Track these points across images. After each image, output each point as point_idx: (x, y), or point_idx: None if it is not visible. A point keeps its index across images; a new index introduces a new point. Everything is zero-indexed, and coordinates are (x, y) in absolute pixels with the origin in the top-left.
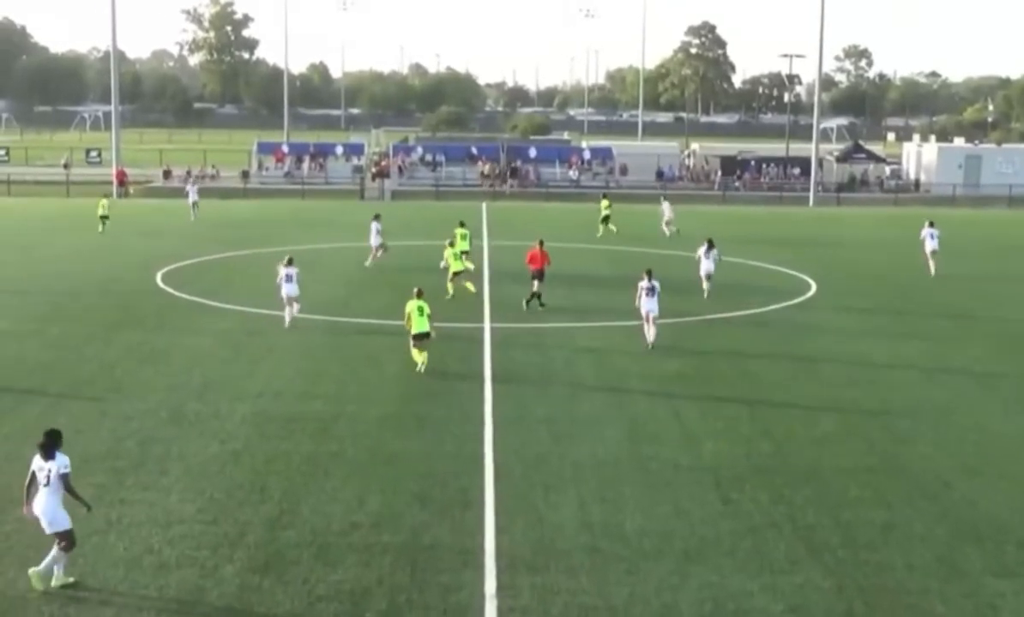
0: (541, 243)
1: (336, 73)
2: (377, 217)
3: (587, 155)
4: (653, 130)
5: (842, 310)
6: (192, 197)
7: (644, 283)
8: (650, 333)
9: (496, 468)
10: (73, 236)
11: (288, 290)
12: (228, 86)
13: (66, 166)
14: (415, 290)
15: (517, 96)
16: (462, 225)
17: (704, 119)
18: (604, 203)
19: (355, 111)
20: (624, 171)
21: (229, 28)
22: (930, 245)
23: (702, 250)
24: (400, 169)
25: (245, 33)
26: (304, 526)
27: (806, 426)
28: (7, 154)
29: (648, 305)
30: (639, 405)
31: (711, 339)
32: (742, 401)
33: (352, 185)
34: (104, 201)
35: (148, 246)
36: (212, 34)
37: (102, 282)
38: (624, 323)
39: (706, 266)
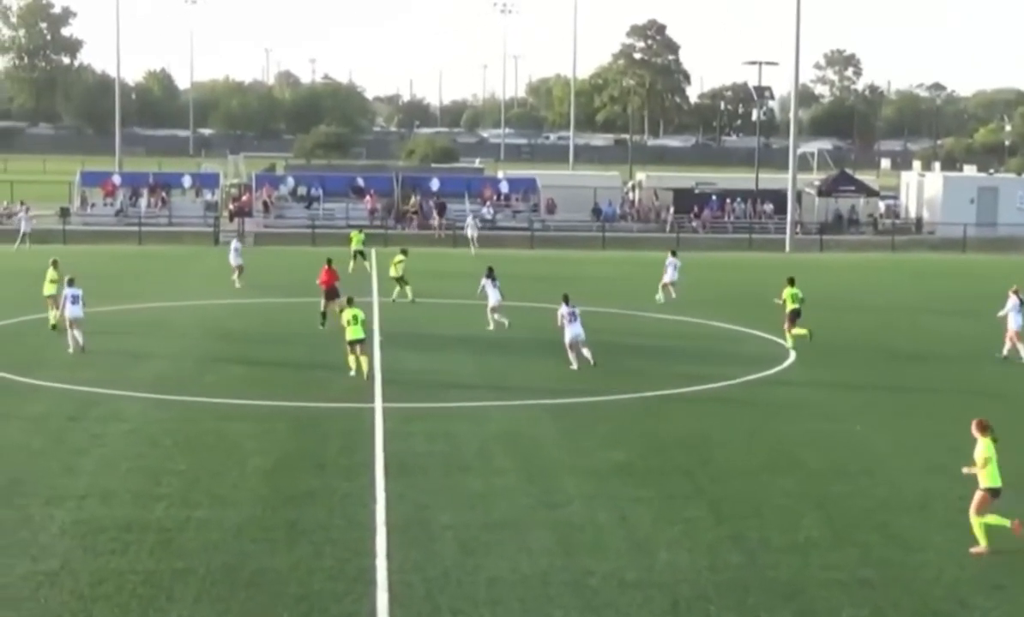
0: (329, 261)
1: (183, 83)
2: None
3: (504, 187)
4: (588, 155)
5: (827, 385)
6: (24, 227)
7: (564, 310)
8: (585, 353)
9: (391, 589)
10: None
11: (72, 312)
12: (42, 99)
13: None
14: (346, 299)
15: (415, 113)
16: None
17: (652, 142)
18: (397, 259)
19: (207, 132)
20: (552, 208)
21: (44, 25)
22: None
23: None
24: (266, 205)
25: (65, 32)
26: None
27: (784, 530)
28: None
29: (574, 331)
30: (573, 506)
31: (665, 421)
32: (704, 499)
33: (204, 226)
34: None
35: None
36: (22, 33)
37: None
38: (552, 401)
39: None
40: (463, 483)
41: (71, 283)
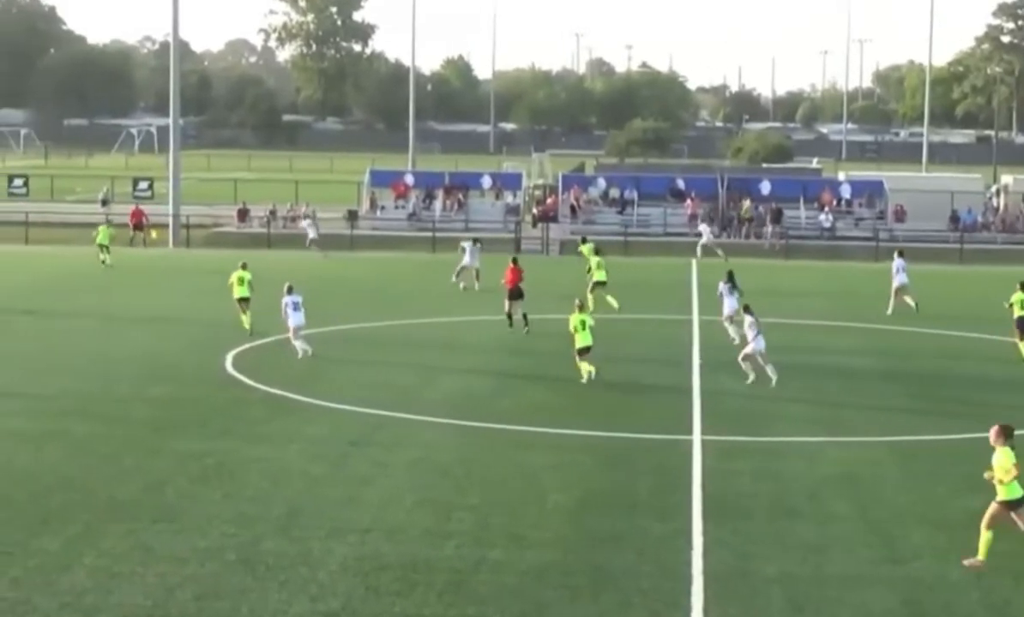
0: (515, 260)
1: (483, 72)
2: (476, 241)
3: (846, 191)
4: (944, 155)
5: None
6: (312, 235)
7: (750, 320)
8: (768, 370)
9: None
10: (109, 300)
11: (295, 319)
12: (331, 91)
13: (104, 202)
14: (576, 302)
15: (743, 105)
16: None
17: (1022, 140)
18: (595, 261)
19: (509, 127)
20: (901, 215)
21: (334, 9)
22: None
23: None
24: (573, 209)
25: (356, 17)
26: None
27: None
28: (25, 185)
29: (759, 344)
30: (922, 561)
31: None
32: None
33: (505, 232)
34: (105, 230)
35: (214, 316)
36: (311, 18)
37: (149, 365)
38: (894, 439)
39: (730, 305)
40: (792, 530)
41: (291, 291)
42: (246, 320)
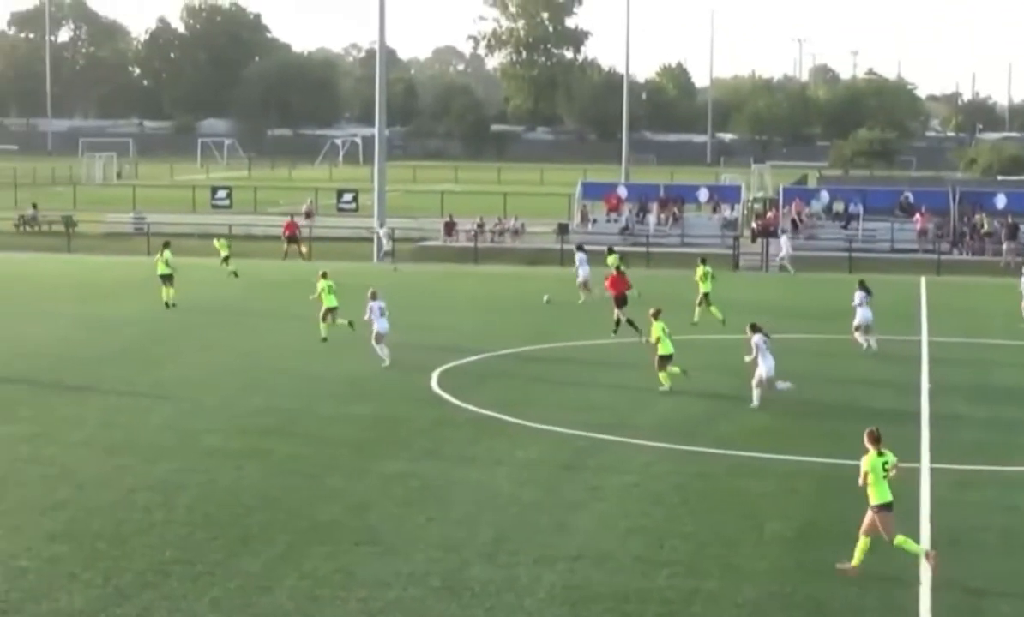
0: (618, 267)
1: (701, 80)
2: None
3: None
4: None
5: None
6: (386, 245)
7: (757, 339)
8: (779, 385)
9: None
10: (313, 316)
11: (380, 326)
12: (541, 100)
13: (308, 215)
14: (651, 311)
15: (978, 114)
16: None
17: None
18: (700, 271)
19: (727, 137)
20: None
21: (546, 15)
22: None
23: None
24: (795, 223)
25: (569, 23)
26: None
27: None
28: (228, 197)
29: (768, 364)
30: None
31: None
32: None
33: (722, 247)
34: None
35: (418, 333)
36: (521, 24)
37: (351, 382)
38: None
39: (863, 315)
40: None
41: (375, 296)
42: (325, 329)
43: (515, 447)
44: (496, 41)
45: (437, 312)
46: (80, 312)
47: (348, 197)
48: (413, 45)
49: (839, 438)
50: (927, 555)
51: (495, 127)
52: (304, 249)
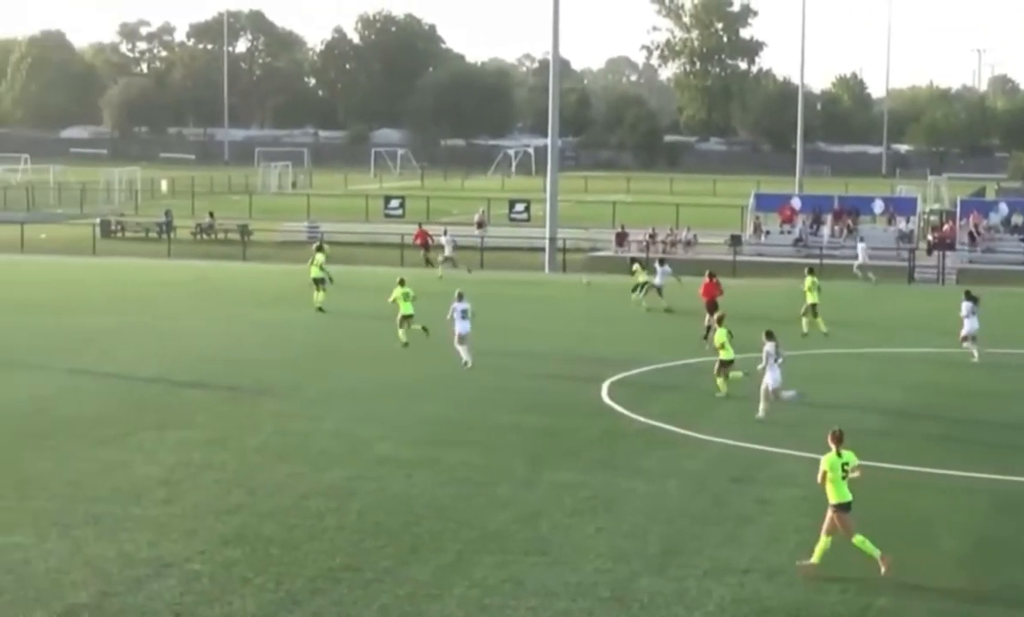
0: (711, 273)
1: (877, 90)
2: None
3: None
4: None
5: None
6: (448, 251)
7: (769, 348)
8: (785, 395)
9: None
10: (482, 326)
11: (462, 327)
12: (715, 110)
13: (480, 225)
14: (716, 316)
15: None
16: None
17: None
18: (808, 281)
19: (903, 148)
20: None
21: (720, 25)
22: None
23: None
24: (972, 236)
25: (744, 33)
26: None
27: None
28: (401, 206)
29: (775, 375)
30: None
31: None
32: None
33: (897, 260)
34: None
35: (588, 344)
36: (695, 34)
37: (522, 392)
38: None
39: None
40: None
41: (460, 298)
42: (404, 334)
43: (684, 458)
44: (670, 51)
45: (607, 323)
46: (254, 319)
47: (520, 207)
48: (586, 55)
49: (1014, 454)
50: (882, 558)
51: (668, 138)
52: (440, 259)
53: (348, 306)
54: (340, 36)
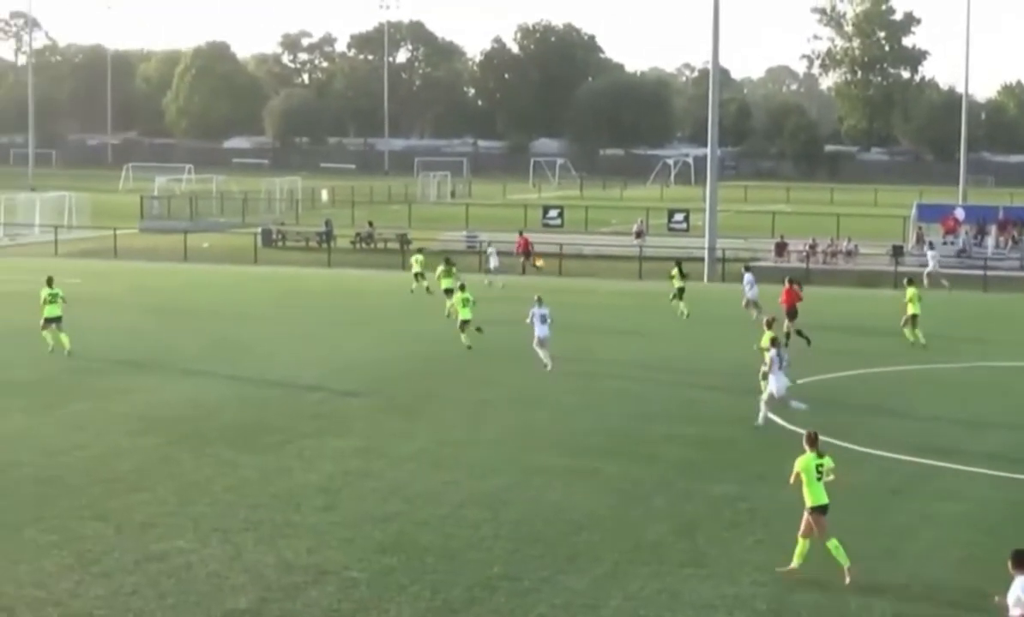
0: (790, 280)
1: None
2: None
3: None
4: None
5: None
6: (493, 263)
7: (774, 354)
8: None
9: None
10: (636, 338)
11: (541, 331)
12: (876, 120)
13: (639, 235)
14: (765, 320)
15: None
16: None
17: None
18: (910, 292)
19: None
20: None
21: (882, 34)
22: None
23: None
24: None
25: (907, 42)
26: None
27: None
28: (560, 216)
29: (778, 381)
30: None
31: None
32: None
33: None
34: (419, 257)
35: (745, 355)
36: (856, 43)
37: (682, 402)
38: None
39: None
40: None
41: (540, 302)
42: (466, 338)
43: (844, 472)
44: (831, 60)
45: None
46: (412, 328)
47: (679, 217)
48: (746, 64)
49: None
50: (848, 570)
51: (828, 147)
52: (539, 263)
53: (505, 313)
54: (499, 46)
